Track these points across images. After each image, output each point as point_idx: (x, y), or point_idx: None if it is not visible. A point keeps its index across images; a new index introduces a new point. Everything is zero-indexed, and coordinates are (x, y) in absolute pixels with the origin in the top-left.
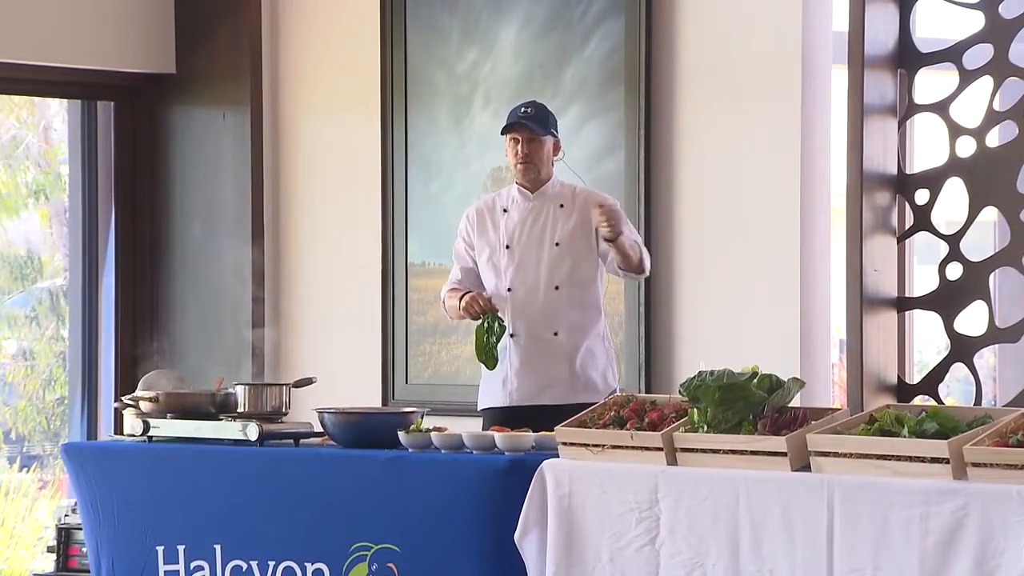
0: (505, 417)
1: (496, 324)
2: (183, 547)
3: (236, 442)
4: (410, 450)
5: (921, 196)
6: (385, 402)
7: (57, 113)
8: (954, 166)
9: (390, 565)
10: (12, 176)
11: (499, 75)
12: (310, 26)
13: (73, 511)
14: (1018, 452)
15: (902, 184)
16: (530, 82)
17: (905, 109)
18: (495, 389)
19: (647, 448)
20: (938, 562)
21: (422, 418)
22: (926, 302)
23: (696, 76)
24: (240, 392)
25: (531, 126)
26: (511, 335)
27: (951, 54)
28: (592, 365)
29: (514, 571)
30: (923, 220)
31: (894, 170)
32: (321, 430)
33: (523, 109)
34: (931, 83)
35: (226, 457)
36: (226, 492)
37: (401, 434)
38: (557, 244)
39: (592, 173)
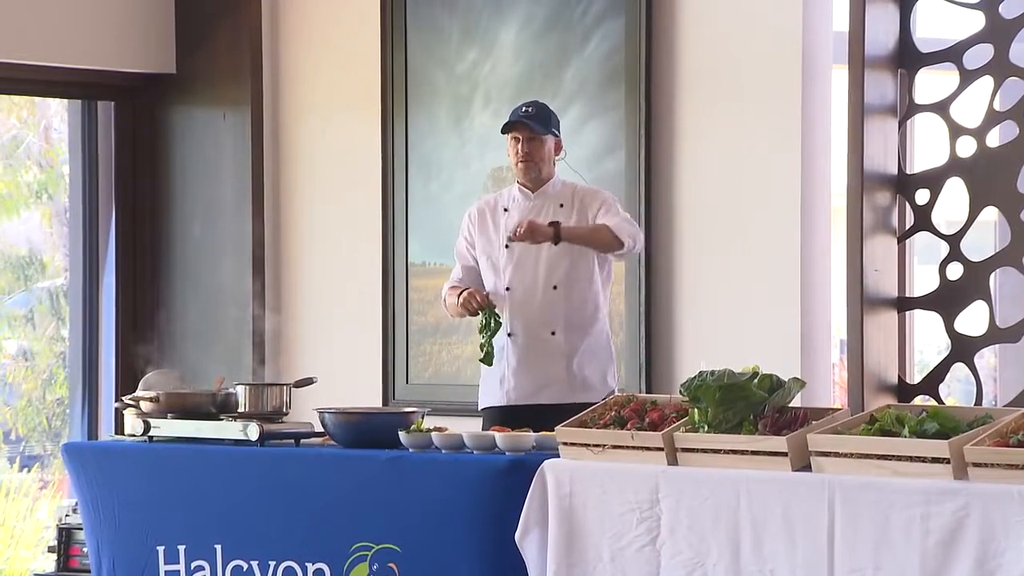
0: (503, 417)
1: (492, 320)
2: (184, 547)
3: (237, 442)
4: (411, 450)
5: (921, 196)
6: (386, 402)
7: (57, 113)
8: (954, 166)
9: (391, 565)
10: (13, 176)
11: (499, 75)
12: (310, 26)
13: (74, 511)
14: (1019, 452)
15: (902, 184)
16: (530, 82)
17: (905, 109)
18: (493, 389)
19: (648, 448)
20: (939, 562)
21: (423, 418)
22: (927, 302)
23: (696, 76)
24: (241, 392)
25: (531, 125)
26: (509, 334)
27: (951, 54)
28: (590, 365)
29: (515, 571)
30: (923, 220)
31: (894, 170)
32: (322, 430)
33: (524, 108)
34: (931, 83)
35: (227, 457)
36: (227, 492)
37: (402, 434)
38: (555, 244)
39: (592, 173)
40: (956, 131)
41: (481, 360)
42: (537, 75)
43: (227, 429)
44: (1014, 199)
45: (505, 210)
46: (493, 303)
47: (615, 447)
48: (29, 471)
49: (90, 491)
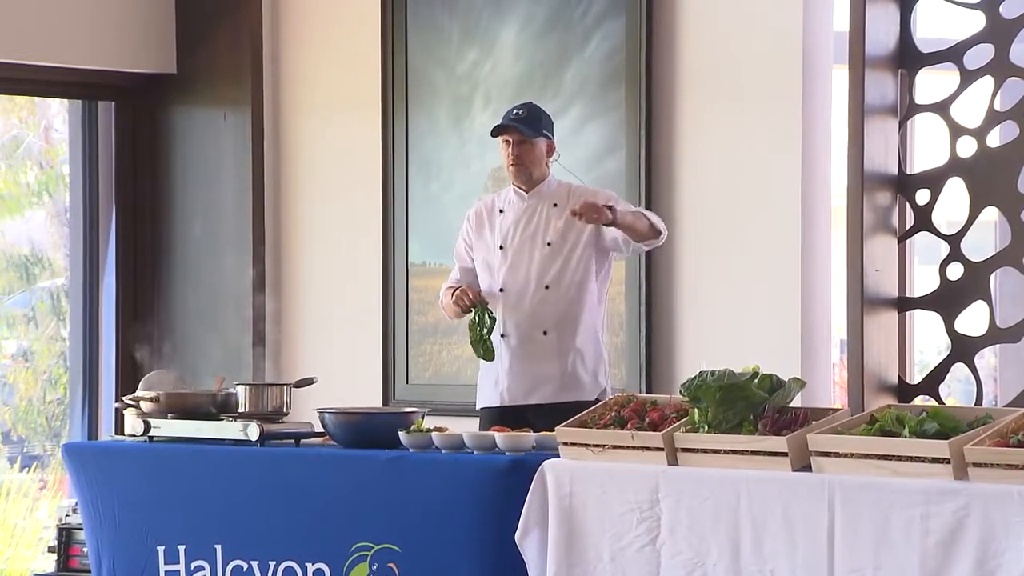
0: (499, 417)
1: (486, 316)
2: (184, 547)
3: (237, 442)
4: (411, 450)
5: (922, 196)
6: (386, 402)
7: (58, 113)
8: (955, 166)
9: (391, 565)
10: (13, 176)
11: (499, 75)
12: (310, 26)
13: (74, 511)
14: (1019, 452)
15: (903, 184)
16: (530, 82)
17: (906, 109)
18: (489, 389)
19: (648, 448)
20: (939, 562)
21: (423, 418)
22: (927, 302)
23: (697, 76)
24: (241, 392)
25: (521, 128)
26: (502, 335)
27: (952, 54)
28: (582, 364)
29: (515, 571)
30: (924, 220)
31: (895, 170)
32: (322, 430)
33: (515, 111)
34: (932, 83)
35: (227, 457)
36: (227, 492)
37: (402, 434)
38: (549, 244)
39: (593, 173)
40: (956, 131)
41: (481, 357)
42: (537, 75)
43: (227, 429)
44: (1014, 199)
45: (501, 211)
46: (485, 299)
47: (615, 447)
48: (29, 471)
49: (90, 491)
